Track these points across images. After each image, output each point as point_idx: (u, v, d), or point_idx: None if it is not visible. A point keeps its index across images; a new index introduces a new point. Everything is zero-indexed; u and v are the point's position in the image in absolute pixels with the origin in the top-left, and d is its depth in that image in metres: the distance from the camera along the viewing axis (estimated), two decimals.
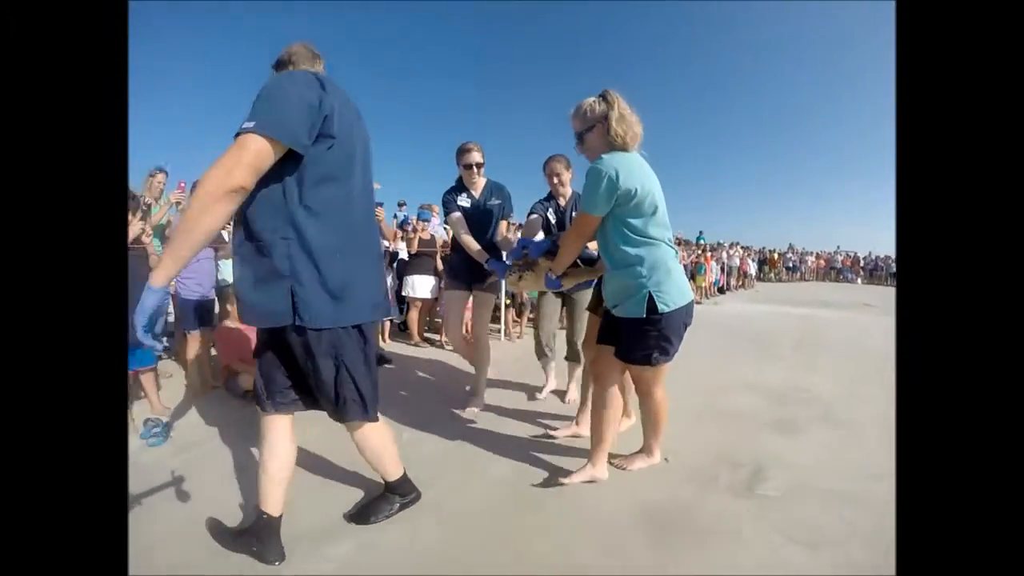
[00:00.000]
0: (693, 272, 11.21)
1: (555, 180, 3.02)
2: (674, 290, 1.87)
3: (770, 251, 23.49)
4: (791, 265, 23.98)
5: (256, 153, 1.27)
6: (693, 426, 2.83)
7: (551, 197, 3.12)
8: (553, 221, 3.07)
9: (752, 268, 17.61)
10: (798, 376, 4.08)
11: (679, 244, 11.06)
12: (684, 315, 1.92)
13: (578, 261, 2.28)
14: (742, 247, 18.41)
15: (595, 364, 2.18)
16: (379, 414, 1.74)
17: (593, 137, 1.94)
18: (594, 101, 1.93)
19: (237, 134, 1.28)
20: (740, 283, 16.24)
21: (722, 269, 14.39)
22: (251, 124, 1.27)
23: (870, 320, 7.82)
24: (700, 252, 12.27)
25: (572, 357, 3.29)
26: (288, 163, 1.38)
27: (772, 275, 22.36)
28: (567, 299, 3.20)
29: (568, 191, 3.10)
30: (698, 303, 10.35)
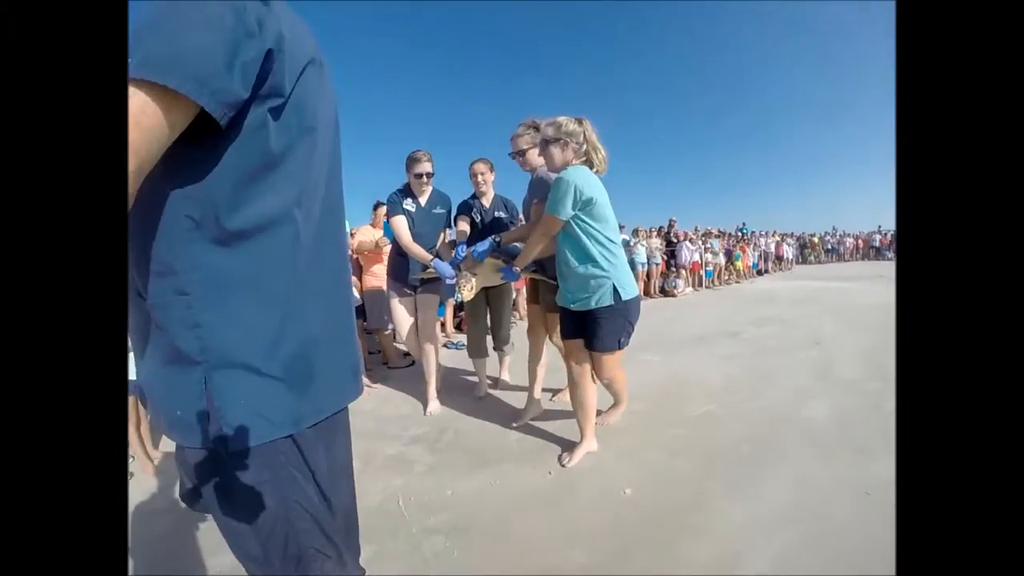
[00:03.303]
0: (730, 258, 14.14)
1: (479, 179, 3.19)
2: (631, 282, 2.19)
3: (810, 235, 25.82)
4: (830, 247, 26.23)
5: (134, 119, 0.57)
6: (713, 326, 6.21)
7: (475, 197, 3.28)
8: (478, 220, 3.24)
9: (789, 252, 20.14)
10: (781, 312, 7.30)
11: (719, 235, 14.11)
12: (638, 300, 2.26)
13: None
14: (780, 234, 20.99)
15: (569, 357, 2.43)
16: None
17: (555, 148, 2.19)
18: (569, 120, 2.19)
19: None
20: (778, 266, 18.87)
21: (760, 255, 17.24)
22: (129, 62, 0.57)
23: (863, 286, 10.60)
24: (735, 241, 15.19)
25: (503, 345, 3.61)
26: (191, 144, 0.64)
27: (812, 257, 24.63)
28: (490, 294, 3.37)
29: (491, 192, 3.28)
30: (736, 283, 13.45)
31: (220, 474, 0.76)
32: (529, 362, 3.08)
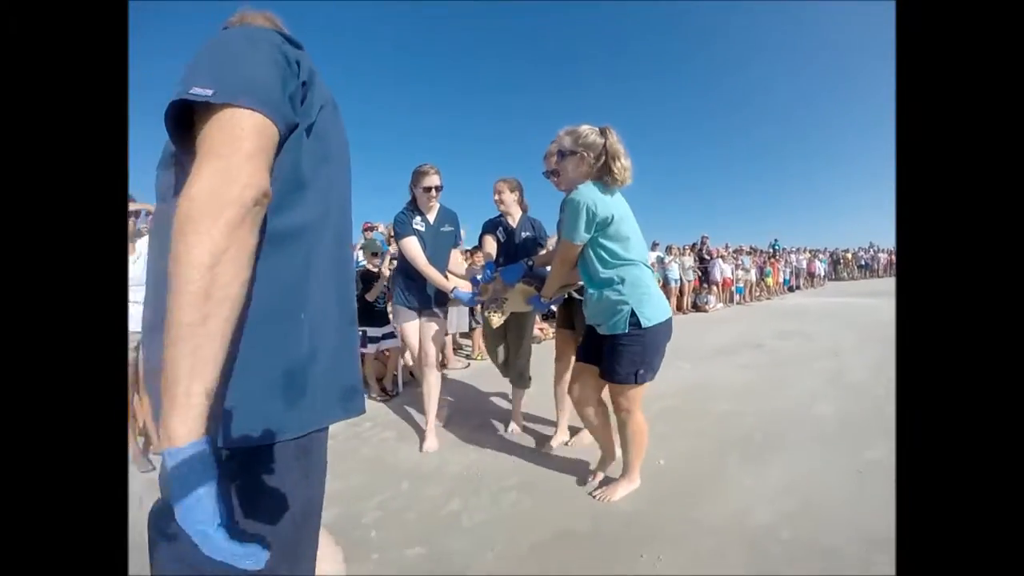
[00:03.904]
0: (762, 274, 14.55)
1: (496, 198, 3.05)
2: (654, 307, 1.96)
3: (843, 251, 25.84)
4: (863, 263, 26.12)
5: (256, 132, 0.69)
6: (740, 338, 6.76)
7: (502, 217, 3.13)
8: (503, 241, 3.08)
9: (820, 268, 20.36)
10: (806, 326, 7.83)
11: (751, 252, 14.54)
12: (666, 330, 2.00)
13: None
14: (811, 250, 21.15)
15: (574, 382, 2.27)
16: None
17: (572, 161, 2.01)
18: (591, 130, 1.98)
19: (178, 107, 0.68)
20: (810, 282, 19.09)
21: (792, 271, 17.54)
22: (208, 91, 0.66)
23: (885, 303, 10.80)
24: (766, 258, 15.58)
25: (517, 379, 3.24)
26: None
27: (845, 274, 24.59)
28: (508, 318, 2.93)
29: (516, 212, 3.10)
30: (767, 299, 13.81)
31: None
32: (556, 388, 3.02)
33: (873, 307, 10.37)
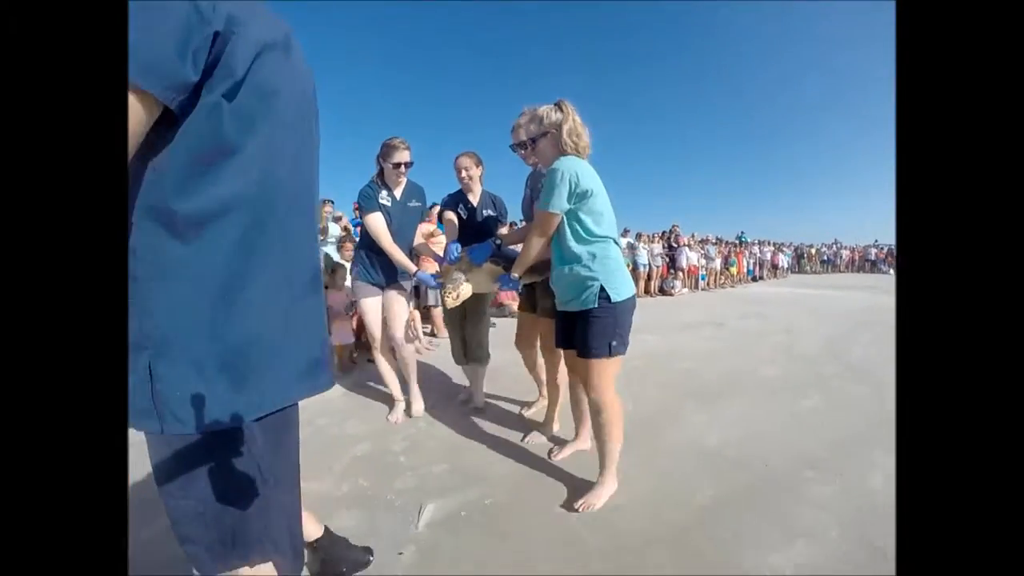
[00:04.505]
0: (727, 263, 15.19)
1: (463, 175, 2.94)
2: (623, 283, 1.99)
3: (807, 246, 26.88)
4: (826, 258, 27.28)
5: None
6: (703, 318, 7.20)
7: (462, 193, 3.04)
8: (464, 218, 3.01)
9: (783, 261, 21.24)
10: (764, 310, 8.36)
11: (716, 243, 15.14)
12: (632, 305, 2.02)
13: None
14: (774, 243, 21.98)
15: (573, 371, 2.31)
16: None
17: (546, 143, 2.05)
18: (550, 109, 2.01)
19: None
20: (773, 274, 19.91)
21: (756, 262, 18.30)
22: None
23: (849, 294, 11.65)
24: (732, 248, 16.26)
25: (480, 358, 3.12)
26: (155, 130, 0.69)
27: (808, 267, 25.68)
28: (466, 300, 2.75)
29: (478, 188, 3.03)
30: (732, 287, 14.43)
31: (163, 456, 0.79)
32: (529, 371, 3.04)
33: (832, 297, 11.03)
